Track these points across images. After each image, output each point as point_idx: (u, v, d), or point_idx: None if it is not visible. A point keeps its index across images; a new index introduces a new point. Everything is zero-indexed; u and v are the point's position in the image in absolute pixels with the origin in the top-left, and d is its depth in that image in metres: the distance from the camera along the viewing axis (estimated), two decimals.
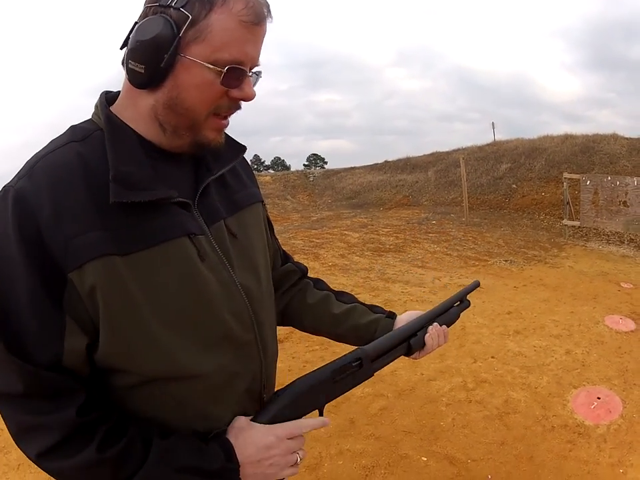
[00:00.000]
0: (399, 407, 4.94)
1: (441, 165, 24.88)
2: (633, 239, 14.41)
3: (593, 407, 4.89)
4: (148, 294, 1.15)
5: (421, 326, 1.68)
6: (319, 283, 1.83)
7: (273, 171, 66.90)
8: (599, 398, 5.04)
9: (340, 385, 1.42)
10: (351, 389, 1.47)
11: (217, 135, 1.28)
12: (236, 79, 1.20)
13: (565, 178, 15.56)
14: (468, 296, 1.86)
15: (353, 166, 29.03)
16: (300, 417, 1.34)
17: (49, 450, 1.10)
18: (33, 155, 1.18)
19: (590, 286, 9.64)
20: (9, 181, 1.13)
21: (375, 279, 9.77)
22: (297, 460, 1.33)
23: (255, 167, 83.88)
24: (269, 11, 1.22)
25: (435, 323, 1.71)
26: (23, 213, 1.07)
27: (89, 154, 1.16)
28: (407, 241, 13.35)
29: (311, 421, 1.36)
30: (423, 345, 1.66)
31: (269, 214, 1.69)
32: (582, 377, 5.53)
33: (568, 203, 15.33)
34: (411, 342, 1.64)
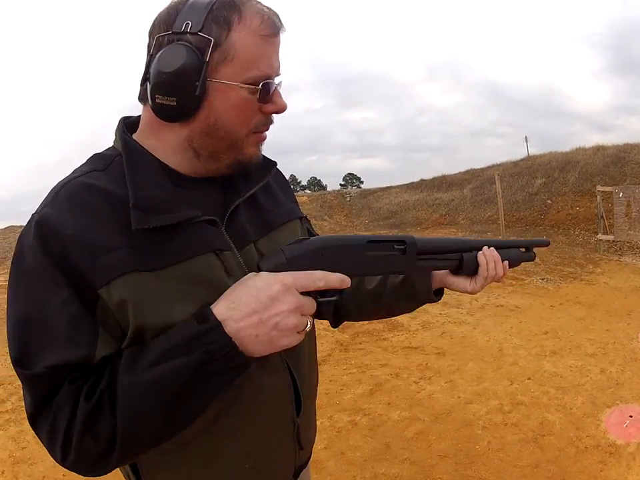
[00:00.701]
0: (435, 431, 5.00)
1: (476, 182, 24.82)
2: None
3: (625, 425, 4.92)
4: (176, 305, 1.11)
5: (476, 246, 1.56)
6: None
7: (309, 191, 66.45)
8: (631, 416, 5.07)
9: (375, 261, 1.26)
10: (386, 273, 1.40)
11: (257, 150, 1.27)
12: (269, 93, 1.19)
13: (598, 191, 15.46)
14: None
15: (388, 185, 29.05)
16: None
17: (80, 436, 1.03)
18: (57, 182, 1.17)
19: (625, 302, 9.62)
20: (35, 210, 1.13)
21: None
22: (307, 325, 1.11)
23: (292, 187, 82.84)
24: (280, 20, 1.22)
25: (492, 248, 1.58)
26: (47, 235, 1.06)
27: (111, 180, 1.15)
28: None
29: (325, 273, 1.13)
30: (475, 266, 1.54)
31: (311, 226, 1.66)
32: (615, 396, 5.54)
33: (602, 216, 15.19)
34: (463, 255, 1.52)
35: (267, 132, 1.27)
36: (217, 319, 1.03)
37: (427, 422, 5.18)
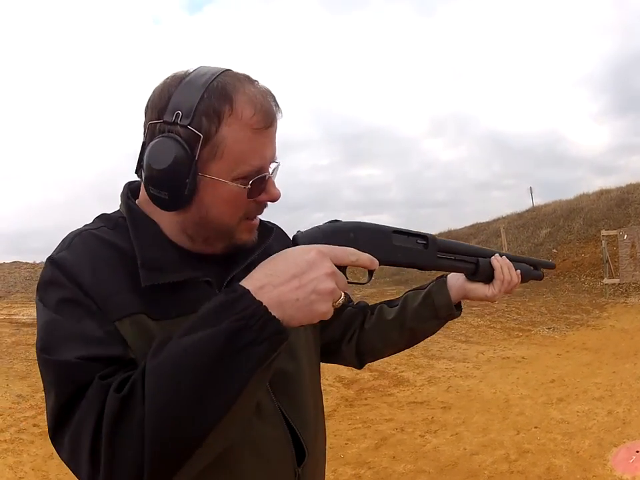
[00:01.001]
0: None
1: (482, 236, 24.89)
2: None
3: (631, 460, 4.87)
4: None
5: (492, 254, 1.61)
6: (374, 307, 1.73)
7: None
8: (637, 451, 5.02)
9: (400, 250, 1.32)
10: (409, 265, 1.38)
11: (250, 235, 1.27)
12: (260, 185, 1.19)
13: (602, 236, 15.51)
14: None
15: None
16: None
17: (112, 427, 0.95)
18: (69, 232, 1.20)
19: (631, 342, 9.59)
20: (51, 254, 1.15)
21: (419, 356, 9.73)
22: (341, 297, 1.06)
23: None
24: (276, 103, 1.19)
25: (504, 256, 1.63)
26: (66, 273, 1.08)
27: (119, 238, 1.18)
28: None
29: (359, 251, 1.13)
30: (491, 272, 1.58)
31: None
32: (622, 435, 5.50)
33: (607, 261, 15.23)
34: (479, 260, 1.56)
35: (260, 216, 1.27)
36: (244, 287, 0.98)
37: (433, 474, 5.13)
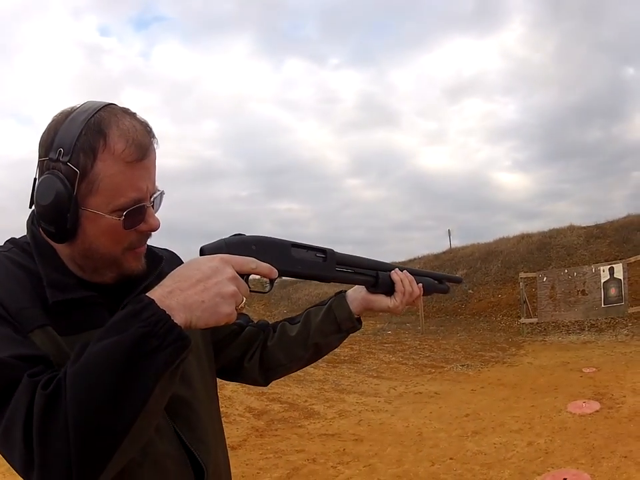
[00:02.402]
0: None
1: None
2: (594, 324, 14.71)
3: None
4: None
5: (392, 268, 1.67)
6: (275, 325, 1.79)
7: None
8: (565, 479, 4.95)
9: (298, 262, 1.40)
10: (307, 277, 1.45)
11: (138, 263, 1.32)
12: (138, 216, 1.23)
13: (520, 278, 15.96)
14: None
15: None
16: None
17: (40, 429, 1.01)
18: None
19: (551, 378, 9.64)
20: None
21: (330, 389, 9.75)
22: (243, 301, 1.15)
23: None
24: (151, 134, 1.25)
25: (405, 271, 1.69)
26: None
27: (26, 260, 1.25)
28: (362, 352, 13.45)
29: (258, 261, 1.22)
30: (391, 284, 1.64)
31: None
32: (546, 464, 5.41)
33: (525, 301, 15.64)
34: (379, 273, 1.62)
35: (145, 245, 1.33)
36: (149, 297, 1.03)
37: None
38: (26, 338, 1.11)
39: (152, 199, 1.27)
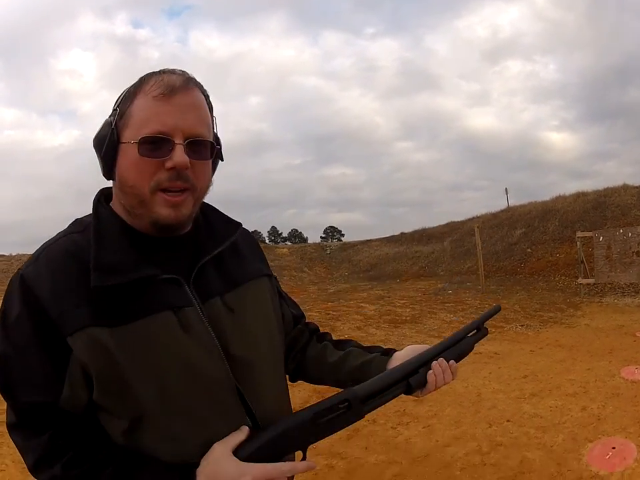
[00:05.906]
0: (413, 474, 4.89)
1: (456, 235, 24.98)
2: None
3: (607, 457, 4.83)
4: (131, 362, 1.25)
5: (423, 362, 1.58)
6: (322, 336, 1.82)
7: (290, 243, 66.95)
8: (614, 448, 4.98)
9: (326, 426, 1.36)
10: (341, 429, 1.41)
11: (170, 211, 1.32)
12: (158, 149, 1.28)
13: (578, 237, 15.75)
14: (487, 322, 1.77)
15: (368, 238, 29.27)
16: (281, 457, 1.28)
17: (31, 467, 1.28)
18: (42, 244, 1.36)
19: (606, 341, 9.61)
20: (22, 266, 1.33)
21: None
22: None
23: (273, 238, 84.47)
24: (188, 80, 1.34)
25: (441, 358, 1.59)
26: (26, 291, 1.26)
27: (84, 243, 1.31)
28: (423, 312, 13.38)
29: (292, 464, 1.29)
30: (424, 383, 1.55)
31: (279, 285, 1.75)
32: (598, 431, 5.46)
33: (582, 261, 15.43)
34: (410, 381, 1.53)
35: (179, 194, 1.33)
36: None
37: (405, 465, 5.07)
38: (46, 375, 1.24)
39: (186, 140, 1.30)
